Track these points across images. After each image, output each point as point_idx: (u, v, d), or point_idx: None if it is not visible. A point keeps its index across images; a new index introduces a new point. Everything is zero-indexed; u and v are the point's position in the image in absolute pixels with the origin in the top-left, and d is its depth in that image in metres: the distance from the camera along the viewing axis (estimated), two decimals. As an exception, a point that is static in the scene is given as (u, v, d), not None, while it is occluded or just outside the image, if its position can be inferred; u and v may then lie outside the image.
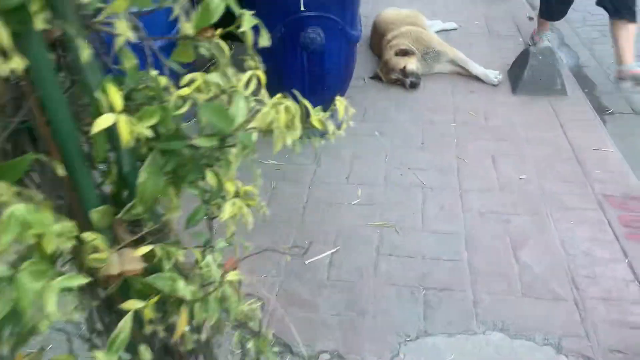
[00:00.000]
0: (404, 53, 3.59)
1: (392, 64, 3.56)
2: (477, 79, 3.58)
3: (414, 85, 3.49)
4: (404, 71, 3.51)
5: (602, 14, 5.06)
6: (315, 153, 2.82)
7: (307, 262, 2.11)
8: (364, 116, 3.23)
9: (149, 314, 0.72)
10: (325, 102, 0.96)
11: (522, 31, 4.39)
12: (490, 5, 5.08)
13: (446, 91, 3.49)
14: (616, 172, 2.57)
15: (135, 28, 0.66)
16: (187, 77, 0.76)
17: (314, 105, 0.83)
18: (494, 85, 3.50)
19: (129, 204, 0.72)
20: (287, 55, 2.69)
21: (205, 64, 0.77)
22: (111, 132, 0.65)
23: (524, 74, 3.34)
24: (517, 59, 3.58)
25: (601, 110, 3.48)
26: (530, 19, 4.68)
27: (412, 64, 3.54)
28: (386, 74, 3.60)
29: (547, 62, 3.33)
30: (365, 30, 3.80)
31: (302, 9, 2.47)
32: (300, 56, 2.68)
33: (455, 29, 4.54)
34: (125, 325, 0.69)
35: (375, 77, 3.69)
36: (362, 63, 3.97)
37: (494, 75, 3.53)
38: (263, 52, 0.84)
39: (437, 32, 4.45)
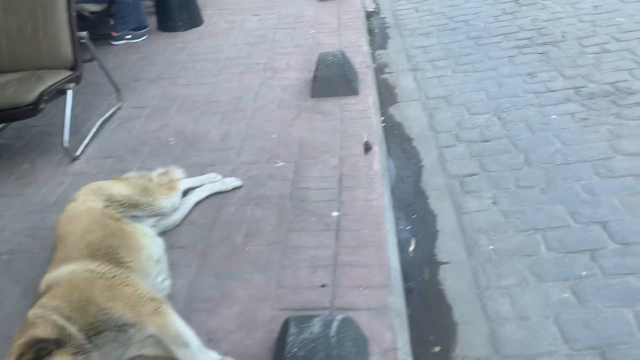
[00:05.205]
0: (38, 354, 1.58)
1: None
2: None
3: None
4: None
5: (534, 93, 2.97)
6: None
7: None
8: None
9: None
10: None
11: (343, 193, 2.50)
12: (314, 117, 3.18)
13: None
14: None
15: None
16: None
17: None
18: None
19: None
20: None
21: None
22: None
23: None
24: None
25: None
26: (368, 148, 2.83)
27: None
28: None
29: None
30: None
31: None
32: None
33: (239, 187, 2.59)
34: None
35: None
36: None
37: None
38: None
39: (196, 204, 2.50)
